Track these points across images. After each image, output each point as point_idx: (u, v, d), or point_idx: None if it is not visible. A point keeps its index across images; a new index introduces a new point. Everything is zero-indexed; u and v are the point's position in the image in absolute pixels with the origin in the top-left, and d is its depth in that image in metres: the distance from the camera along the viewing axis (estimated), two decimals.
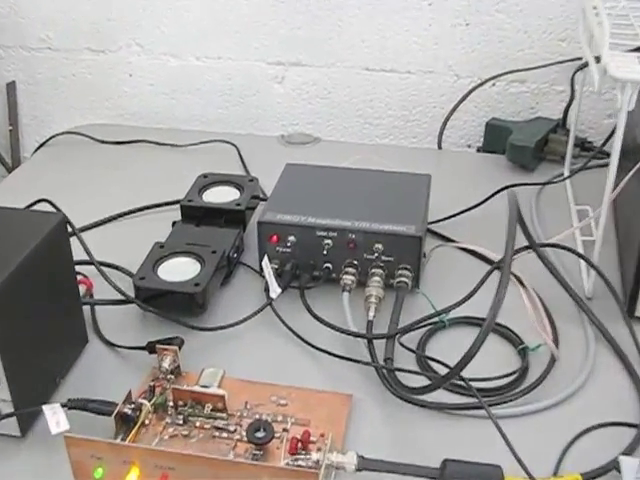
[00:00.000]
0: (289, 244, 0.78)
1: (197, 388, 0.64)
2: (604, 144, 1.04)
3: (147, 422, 0.63)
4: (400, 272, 0.77)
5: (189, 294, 0.73)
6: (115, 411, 0.61)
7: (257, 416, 0.63)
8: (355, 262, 0.78)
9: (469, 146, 1.19)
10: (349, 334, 0.72)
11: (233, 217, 0.85)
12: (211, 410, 0.63)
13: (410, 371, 0.68)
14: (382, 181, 0.87)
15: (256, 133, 1.23)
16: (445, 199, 0.91)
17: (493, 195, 0.94)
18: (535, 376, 0.69)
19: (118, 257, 0.84)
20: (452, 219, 0.92)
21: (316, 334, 0.73)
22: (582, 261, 0.84)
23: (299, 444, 0.59)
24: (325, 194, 0.84)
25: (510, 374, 0.69)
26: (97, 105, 1.27)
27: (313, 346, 0.72)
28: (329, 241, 0.78)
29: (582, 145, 1.08)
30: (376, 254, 0.77)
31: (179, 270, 0.76)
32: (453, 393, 0.67)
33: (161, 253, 0.78)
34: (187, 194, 0.88)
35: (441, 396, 0.65)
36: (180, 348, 0.68)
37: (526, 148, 1.04)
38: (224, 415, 0.63)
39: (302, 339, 0.73)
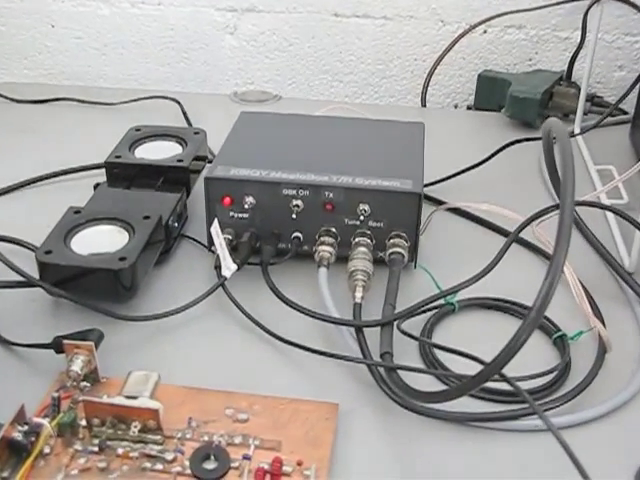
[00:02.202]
0: (247, 207, 0.60)
1: (120, 400, 0.45)
2: (622, 99, 0.87)
3: (47, 451, 0.44)
4: (393, 241, 0.59)
5: (112, 272, 0.54)
6: None
7: (206, 438, 0.45)
8: (333, 230, 0.60)
9: (456, 106, 1.02)
10: (330, 321, 0.54)
11: (174, 177, 0.66)
12: (140, 431, 0.45)
13: (419, 370, 0.50)
14: (365, 130, 0.69)
15: (204, 93, 1.05)
16: (435, 162, 0.73)
17: (496, 153, 0.77)
18: (581, 373, 0.51)
19: (26, 231, 0.64)
20: (448, 182, 0.75)
21: (285, 323, 0.55)
22: (616, 230, 0.68)
23: (267, 477, 0.42)
24: (293, 144, 0.66)
25: (548, 372, 0.51)
26: (14, 64, 1.08)
27: (282, 339, 0.53)
28: (299, 202, 0.59)
29: (592, 100, 0.92)
30: (361, 218, 0.59)
31: (99, 241, 0.57)
32: (473, 398, 0.50)
33: (76, 220, 0.58)
34: (114, 150, 0.68)
35: (457, 403, 0.46)
36: (98, 344, 0.50)
37: (530, 101, 0.87)
38: (158, 438, 0.45)
39: (266, 330, 0.54)
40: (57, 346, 0.50)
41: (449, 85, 1.00)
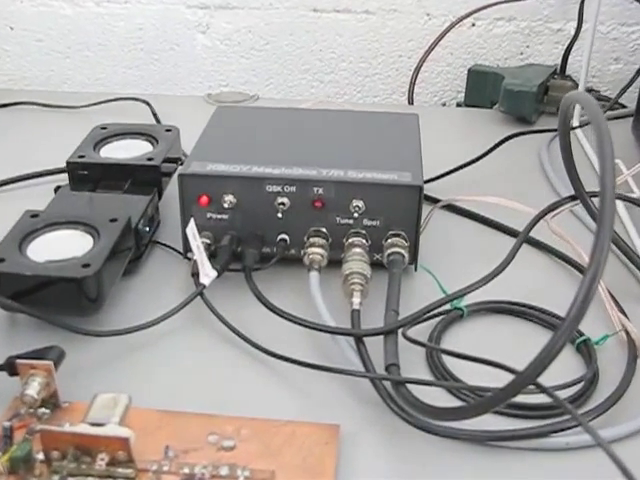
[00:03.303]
0: (226, 207, 0.53)
1: (83, 428, 0.38)
2: (622, 92, 0.83)
3: None
4: (391, 241, 0.53)
5: (74, 280, 0.47)
6: None
7: (186, 470, 0.38)
8: (324, 230, 0.54)
9: (444, 104, 0.96)
10: (326, 331, 0.47)
11: (144, 178, 0.59)
12: (108, 464, 0.38)
13: (434, 383, 0.43)
14: (354, 122, 0.63)
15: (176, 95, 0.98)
16: (428, 161, 0.66)
17: (493, 148, 0.72)
18: (610, 382, 0.45)
19: None
20: (443, 180, 0.69)
21: (274, 335, 0.48)
22: (630, 225, 0.63)
23: None
24: (277, 138, 0.60)
25: (575, 382, 0.45)
26: None
27: (270, 353, 0.47)
28: (285, 200, 0.53)
29: (589, 94, 0.87)
30: (355, 215, 0.53)
31: (60, 248, 0.50)
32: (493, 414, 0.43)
33: (33, 225, 0.52)
34: (77, 149, 0.62)
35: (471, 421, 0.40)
36: (58, 364, 0.43)
37: (525, 94, 0.81)
38: (130, 472, 0.38)
39: (252, 343, 0.48)
40: (10, 367, 0.43)
41: (436, 83, 0.95)
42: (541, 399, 0.42)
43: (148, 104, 0.83)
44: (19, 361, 0.42)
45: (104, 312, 0.50)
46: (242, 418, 0.41)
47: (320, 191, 0.53)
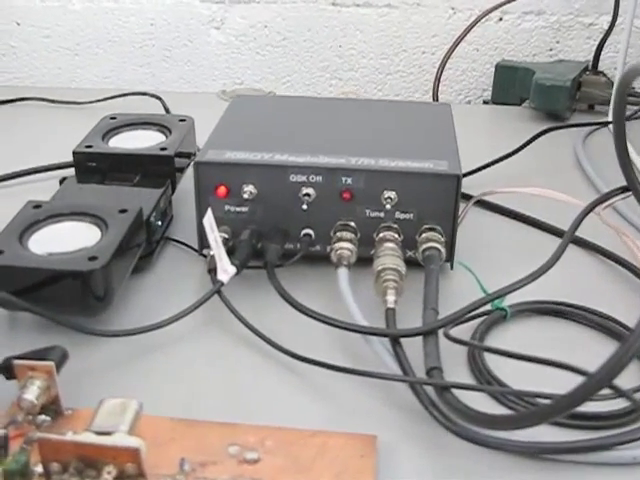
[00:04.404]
0: (246, 198, 0.49)
1: (88, 437, 0.34)
2: None
3: None
4: (426, 236, 0.48)
5: (80, 275, 0.42)
6: None
7: None
8: (352, 224, 0.49)
9: (469, 103, 0.92)
10: (358, 331, 0.42)
11: (156, 169, 0.55)
12: (116, 478, 0.33)
13: (479, 388, 0.38)
14: (384, 111, 0.59)
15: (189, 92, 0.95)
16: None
17: (527, 144, 0.68)
18: None
19: None
20: (474, 176, 0.64)
21: (299, 336, 0.44)
22: None
23: None
24: (301, 125, 0.55)
25: (637, 389, 0.40)
26: None
27: (297, 356, 0.42)
28: (310, 190, 0.49)
29: None
30: (387, 207, 0.49)
31: (64, 240, 0.45)
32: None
33: (36, 216, 0.47)
34: (84, 139, 0.58)
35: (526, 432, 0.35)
36: (60, 366, 0.39)
37: (559, 89, 0.77)
38: None
39: (276, 345, 0.43)
40: (7, 369, 0.38)
41: (461, 80, 0.91)
42: (595, 407, 0.38)
43: (160, 99, 0.79)
44: (17, 362, 0.37)
45: (112, 311, 0.46)
46: (266, 427, 0.37)
47: (349, 181, 0.48)
